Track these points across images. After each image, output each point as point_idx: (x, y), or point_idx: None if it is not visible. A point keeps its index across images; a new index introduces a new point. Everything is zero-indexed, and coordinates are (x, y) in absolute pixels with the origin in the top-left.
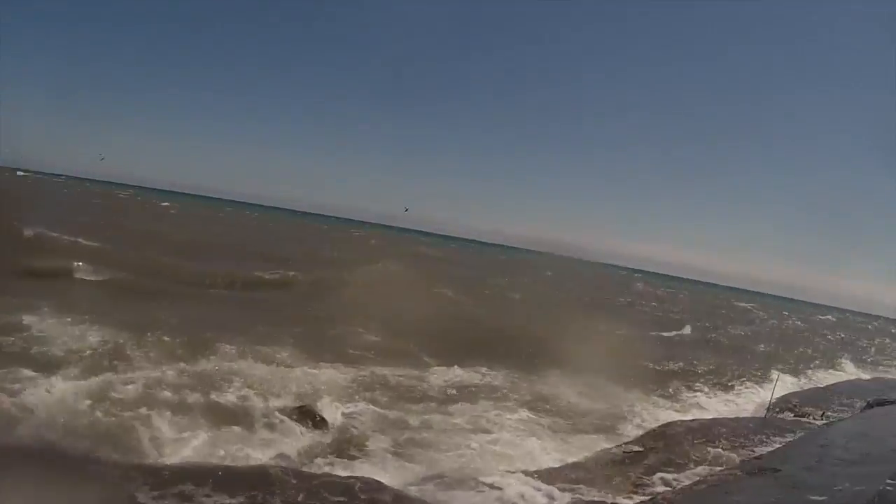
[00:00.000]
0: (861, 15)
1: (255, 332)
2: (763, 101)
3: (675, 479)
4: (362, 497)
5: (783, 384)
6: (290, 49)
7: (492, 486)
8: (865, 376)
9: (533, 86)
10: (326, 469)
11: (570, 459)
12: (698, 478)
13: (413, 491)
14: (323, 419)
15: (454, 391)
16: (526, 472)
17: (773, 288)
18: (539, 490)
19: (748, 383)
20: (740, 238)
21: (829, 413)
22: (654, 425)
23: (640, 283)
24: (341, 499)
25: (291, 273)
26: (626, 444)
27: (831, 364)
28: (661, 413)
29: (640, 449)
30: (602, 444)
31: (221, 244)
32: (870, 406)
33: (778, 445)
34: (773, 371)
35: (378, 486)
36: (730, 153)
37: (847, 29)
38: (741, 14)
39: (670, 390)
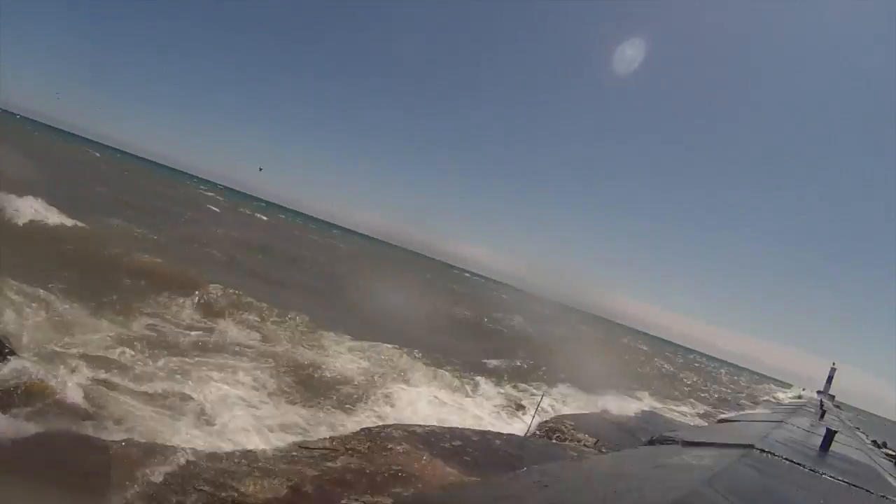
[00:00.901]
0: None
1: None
2: None
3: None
4: None
5: (582, 402)
6: None
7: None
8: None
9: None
10: None
11: (261, 446)
12: None
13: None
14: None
15: (205, 342)
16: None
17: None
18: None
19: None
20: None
21: (605, 443)
22: (382, 422)
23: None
24: None
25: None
26: (331, 438)
27: (665, 394)
28: (424, 397)
29: (337, 448)
30: (319, 430)
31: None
32: (651, 442)
33: (509, 474)
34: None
35: None
36: None
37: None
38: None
39: (447, 376)
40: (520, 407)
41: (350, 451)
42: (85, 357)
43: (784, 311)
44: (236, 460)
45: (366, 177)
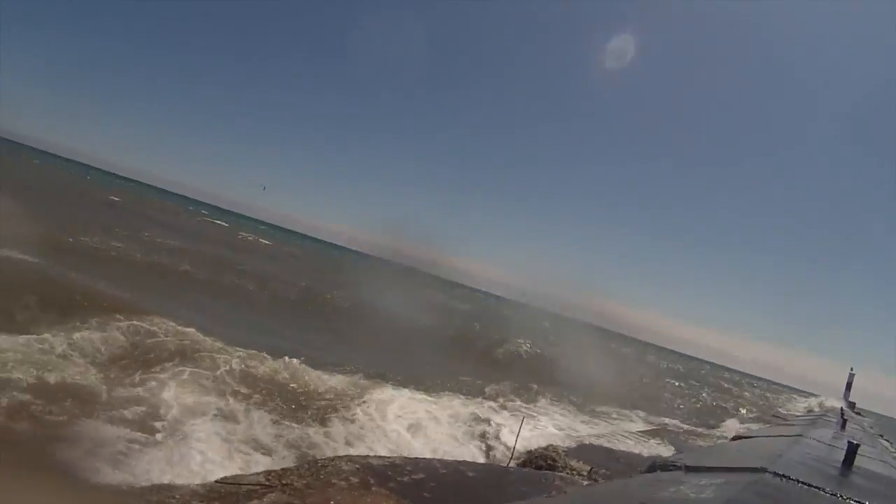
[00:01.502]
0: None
1: None
2: None
3: None
4: None
5: (580, 424)
6: None
7: None
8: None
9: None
10: None
11: (196, 479)
12: None
13: None
14: None
15: (180, 352)
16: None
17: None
18: None
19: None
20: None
21: (602, 471)
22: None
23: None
24: None
25: None
26: (267, 472)
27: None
28: (399, 418)
29: (271, 483)
30: (279, 447)
31: None
32: (652, 468)
33: None
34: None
35: None
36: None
37: None
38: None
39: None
40: (496, 431)
41: (284, 487)
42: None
43: (799, 316)
44: (154, 497)
45: (346, 185)
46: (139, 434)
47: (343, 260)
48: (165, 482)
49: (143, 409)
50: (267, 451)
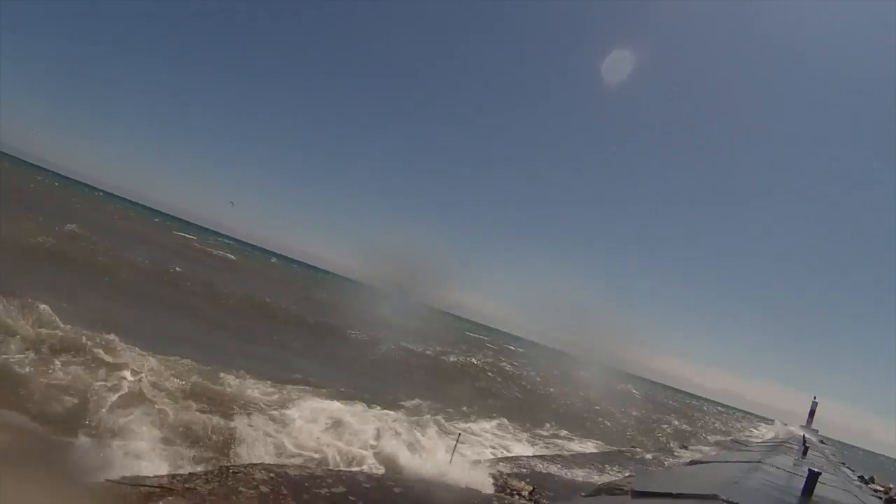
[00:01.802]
0: None
1: None
2: None
3: None
4: None
5: (528, 441)
6: None
7: None
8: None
9: None
10: None
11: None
12: None
13: None
14: None
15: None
16: None
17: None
18: None
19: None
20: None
21: (545, 493)
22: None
23: None
24: None
25: None
26: (171, 475)
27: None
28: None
29: (173, 486)
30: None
31: None
32: (598, 492)
33: None
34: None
35: None
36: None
37: None
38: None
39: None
40: (432, 445)
41: (186, 491)
42: None
43: (762, 346)
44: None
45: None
46: (63, 426)
47: (321, 281)
48: (69, 479)
49: (72, 400)
50: (192, 444)
